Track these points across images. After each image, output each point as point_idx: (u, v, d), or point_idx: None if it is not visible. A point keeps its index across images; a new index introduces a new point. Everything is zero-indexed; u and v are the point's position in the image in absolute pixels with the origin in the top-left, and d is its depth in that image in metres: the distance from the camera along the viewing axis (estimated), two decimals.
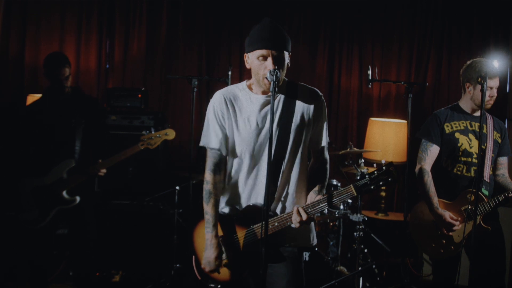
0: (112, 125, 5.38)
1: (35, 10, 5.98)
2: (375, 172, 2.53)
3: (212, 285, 2.88)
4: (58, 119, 4.14)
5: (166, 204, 5.18)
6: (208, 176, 2.81)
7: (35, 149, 4.13)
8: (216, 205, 2.80)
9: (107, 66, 6.17)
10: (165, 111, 6.06)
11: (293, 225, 2.63)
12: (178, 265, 4.86)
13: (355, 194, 2.55)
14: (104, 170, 4.11)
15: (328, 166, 2.86)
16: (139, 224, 5.25)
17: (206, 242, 2.79)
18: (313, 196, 2.70)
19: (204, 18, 6.23)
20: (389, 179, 2.51)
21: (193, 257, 2.93)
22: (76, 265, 4.51)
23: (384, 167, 2.52)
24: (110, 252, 5.06)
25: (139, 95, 5.51)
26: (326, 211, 4.88)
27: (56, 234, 4.45)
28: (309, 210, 2.59)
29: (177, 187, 4.99)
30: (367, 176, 2.54)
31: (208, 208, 2.79)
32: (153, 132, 4.15)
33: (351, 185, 2.56)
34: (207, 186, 2.80)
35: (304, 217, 2.57)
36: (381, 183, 2.52)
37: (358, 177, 4.76)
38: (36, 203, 4.05)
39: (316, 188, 2.75)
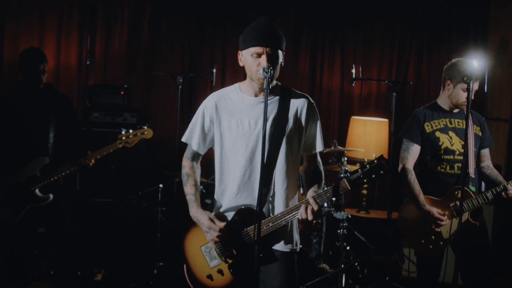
0: (94, 122, 5.33)
1: (14, 5, 5.87)
2: (367, 165, 2.54)
3: None
4: (30, 115, 4.09)
5: (149, 202, 5.15)
6: (185, 162, 2.94)
7: (7, 146, 4.06)
8: (195, 185, 2.88)
9: (87, 62, 6.09)
10: (147, 108, 6.03)
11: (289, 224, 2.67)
12: (161, 264, 4.82)
13: (349, 188, 2.57)
14: (93, 161, 4.08)
15: (322, 168, 2.88)
16: (122, 222, 5.21)
17: (195, 220, 2.79)
18: (312, 193, 2.72)
19: (187, 15, 6.20)
20: (381, 172, 2.53)
21: (185, 266, 2.89)
22: (58, 264, 4.45)
23: (375, 160, 2.54)
24: (93, 250, 5.00)
25: (122, 92, 5.47)
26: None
27: (36, 232, 4.39)
28: (318, 200, 2.60)
29: (161, 185, 4.96)
30: (359, 170, 2.55)
31: (187, 189, 2.88)
32: (131, 131, 4.16)
33: (344, 179, 2.58)
34: (184, 170, 2.92)
35: (316, 207, 2.57)
36: (373, 176, 2.53)
37: (342, 175, 4.82)
38: (8, 201, 3.98)
39: (315, 188, 2.76)
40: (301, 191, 4.70)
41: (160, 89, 6.14)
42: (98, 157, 4.10)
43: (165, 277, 4.78)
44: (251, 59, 2.64)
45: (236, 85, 2.84)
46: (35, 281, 4.71)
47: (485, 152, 3.82)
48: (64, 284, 4.33)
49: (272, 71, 2.54)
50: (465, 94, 3.60)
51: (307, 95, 2.85)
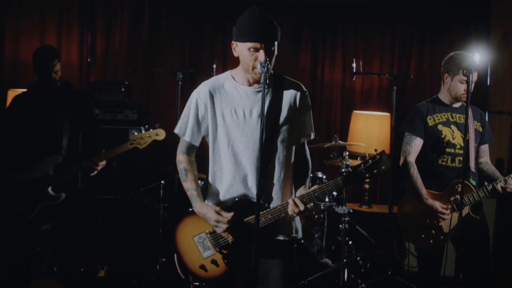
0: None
1: (15, 4, 5.87)
2: (369, 160, 2.54)
3: (197, 283, 2.84)
4: (44, 114, 4.07)
5: (151, 199, 5.16)
6: (180, 157, 2.85)
7: (21, 144, 4.07)
8: (195, 179, 2.82)
9: (89, 59, 6.10)
10: (148, 105, 6.03)
11: (288, 215, 2.65)
12: (163, 260, 4.84)
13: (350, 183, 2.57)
14: (103, 163, 3.99)
15: (309, 157, 2.88)
16: (124, 218, 5.23)
17: (201, 215, 2.73)
18: (302, 189, 2.72)
19: (187, 13, 6.19)
20: (383, 167, 2.52)
21: (175, 255, 2.87)
22: (61, 260, 4.45)
23: (377, 156, 2.53)
24: (95, 247, 5.01)
25: (123, 89, 5.47)
26: (312, 204, 4.89)
27: (40, 229, 4.39)
28: (305, 200, 2.61)
29: (162, 181, 4.96)
30: (361, 165, 2.54)
31: (187, 185, 2.81)
32: (143, 132, 4.04)
33: (346, 174, 2.58)
34: (182, 165, 2.84)
35: (302, 207, 2.59)
36: (375, 171, 2.53)
37: (343, 170, 4.81)
38: (20, 199, 3.98)
39: (305, 182, 2.78)
40: None
41: (161, 85, 6.13)
42: (109, 158, 3.98)
43: (168, 273, 4.79)
44: (247, 53, 2.62)
45: (228, 73, 2.82)
46: (38, 278, 4.73)
47: (484, 148, 3.82)
48: (66, 281, 4.32)
49: (269, 65, 2.54)
50: (464, 86, 3.63)
51: (300, 83, 2.84)
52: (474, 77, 3.61)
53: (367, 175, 2.54)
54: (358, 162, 2.64)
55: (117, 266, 4.99)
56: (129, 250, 5.16)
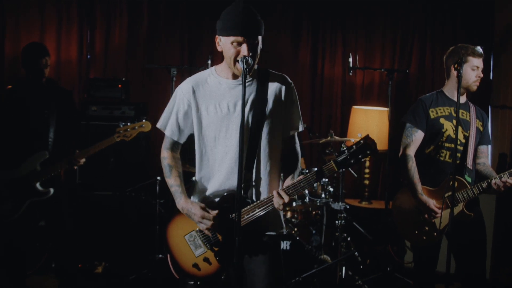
0: (92, 115, 5.36)
1: (15, 0, 5.90)
2: (353, 146, 2.51)
3: (191, 282, 2.84)
4: (31, 110, 4.10)
5: (147, 195, 5.17)
6: (165, 153, 2.84)
7: (8, 141, 4.09)
8: (179, 176, 2.80)
9: (88, 56, 6.11)
10: (147, 101, 6.02)
11: (272, 208, 2.64)
12: (160, 256, 4.84)
13: (336, 170, 2.54)
14: (83, 160, 4.07)
15: (299, 150, 2.86)
16: (121, 215, 5.24)
17: (185, 212, 2.72)
18: (289, 180, 2.69)
19: (186, 6, 6.18)
20: (368, 152, 2.49)
21: (168, 256, 2.87)
22: (58, 256, 4.48)
23: (361, 141, 2.50)
24: (93, 243, 5.04)
25: (119, 86, 5.47)
26: (307, 199, 4.86)
27: (38, 226, 4.42)
28: (290, 191, 2.58)
29: (159, 178, 4.97)
30: (346, 151, 2.52)
31: (171, 181, 2.79)
32: (129, 124, 4.13)
33: (331, 161, 2.55)
34: (166, 161, 2.83)
35: (286, 199, 2.56)
36: (360, 156, 2.50)
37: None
38: (9, 195, 4.00)
39: (293, 175, 2.74)
40: None
41: (160, 81, 6.13)
42: (97, 151, 4.07)
43: (164, 269, 4.79)
44: (230, 47, 2.60)
45: (212, 68, 2.81)
46: (36, 274, 4.76)
47: (483, 148, 3.76)
48: (64, 277, 4.34)
49: (250, 60, 2.52)
50: (474, 73, 3.58)
51: (285, 75, 2.82)
52: (481, 63, 3.59)
53: (352, 161, 2.51)
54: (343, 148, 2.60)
55: (114, 262, 5.01)
56: (126, 246, 5.17)
